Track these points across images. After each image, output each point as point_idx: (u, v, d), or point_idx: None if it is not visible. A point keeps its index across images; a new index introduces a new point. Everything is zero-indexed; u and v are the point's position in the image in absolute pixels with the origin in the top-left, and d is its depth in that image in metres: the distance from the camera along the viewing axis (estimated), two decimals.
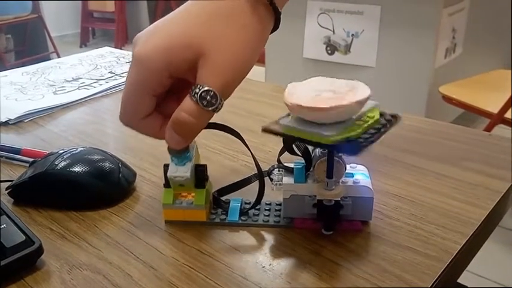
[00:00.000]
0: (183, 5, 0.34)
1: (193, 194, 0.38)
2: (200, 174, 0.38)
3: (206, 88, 0.32)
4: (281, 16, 0.35)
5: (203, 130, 0.38)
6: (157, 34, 0.33)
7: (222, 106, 0.33)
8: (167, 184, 0.38)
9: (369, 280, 0.31)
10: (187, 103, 0.32)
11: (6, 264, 0.32)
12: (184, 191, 0.38)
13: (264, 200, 0.39)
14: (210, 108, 0.32)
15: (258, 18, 0.34)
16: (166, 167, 0.37)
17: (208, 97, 0.32)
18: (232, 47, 0.32)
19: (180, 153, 0.36)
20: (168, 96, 0.36)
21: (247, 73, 0.34)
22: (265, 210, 0.39)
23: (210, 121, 0.38)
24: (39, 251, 0.34)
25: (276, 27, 0.36)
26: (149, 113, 0.35)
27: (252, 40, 0.33)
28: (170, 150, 0.36)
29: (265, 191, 0.38)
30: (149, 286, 0.32)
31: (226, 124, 0.39)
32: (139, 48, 0.33)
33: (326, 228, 0.36)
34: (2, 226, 0.35)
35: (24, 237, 0.34)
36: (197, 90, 0.32)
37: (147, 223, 0.39)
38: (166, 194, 0.38)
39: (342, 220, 0.36)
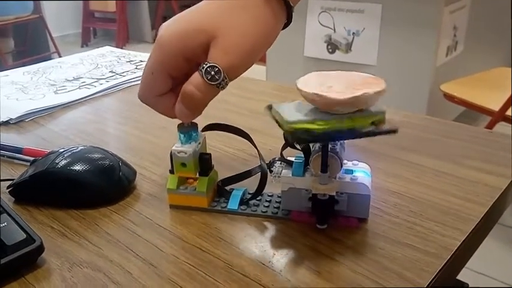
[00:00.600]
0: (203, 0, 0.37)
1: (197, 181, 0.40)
2: (205, 163, 0.39)
3: (211, 64, 0.35)
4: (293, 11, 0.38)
5: (206, 132, 0.40)
6: (177, 21, 0.36)
7: (226, 84, 0.36)
8: (173, 170, 0.39)
9: (368, 277, 0.31)
10: (195, 77, 0.36)
11: (7, 262, 0.32)
12: (187, 174, 0.39)
13: (267, 191, 0.40)
14: (213, 83, 0.35)
15: (270, 11, 0.36)
16: (172, 154, 0.39)
17: (213, 72, 0.35)
18: (242, 32, 0.35)
19: (187, 129, 0.39)
20: (185, 80, 0.38)
21: (255, 59, 0.37)
22: (266, 201, 0.40)
23: (219, 122, 0.41)
24: (40, 249, 0.34)
25: (288, 21, 0.39)
26: (164, 92, 0.38)
27: (262, 29, 0.36)
28: (179, 126, 0.39)
29: (268, 183, 0.39)
30: (149, 283, 0.32)
31: (233, 125, 0.41)
32: (161, 33, 0.36)
33: (319, 222, 0.36)
34: (3, 224, 0.35)
35: (25, 235, 0.34)
36: (204, 65, 0.35)
37: (147, 221, 0.39)
38: (171, 179, 0.40)
39: (338, 216, 0.36)
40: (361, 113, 0.32)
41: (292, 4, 0.38)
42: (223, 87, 0.36)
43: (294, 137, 0.32)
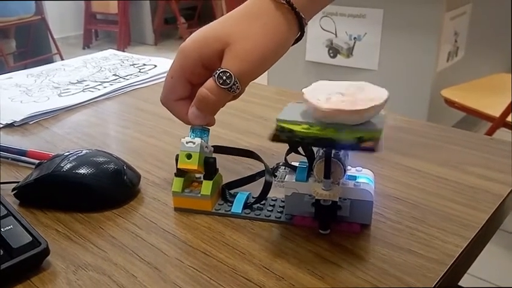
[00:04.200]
0: None
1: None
2: (210, 166, 0.40)
3: (224, 69, 0.38)
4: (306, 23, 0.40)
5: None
6: (198, 32, 0.40)
7: (237, 89, 0.38)
8: (178, 173, 0.40)
9: (370, 282, 0.32)
10: (209, 81, 0.39)
11: (13, 264, 0.33)
12: (190, 166, 0.39)
13: (271, 196, 0.40)
14: (225, 87, 0.38)
15: (282, 21, 0.39)
16: (178, 156, 0.40)
17: (224, 77, 0.37)
18: (254, 39, 0.38)
19: (199, 131, 0.41)
20: None
21: (267, 66, 0.39)
22: (270, 205, 0.40)
23: (225, 146, 0.44)
24: (46, 251, 0.35)
25: (301, 34, 0.41)
26: (183, 97, 0.41)
27: (274, 38, 0.38)
28: (192, 126, 0.41)
29: (271, 188, 0.39)
30: (154, 287, 0.32)
31: (235, 147, 0.45)
32: (184, 42, 0.40)
33: (322, 227, 0.37)
34: (9, 227, 0.36)
35: (30, 238, 0.35)
36: (217, 71, 0.38)
37: (151, 225, 0.39)
38: (176, 182, 0.40)
39: (340, 221, 0.37)
40: (352, 127, 0.32)
41: (303, 16, 0.39)
42: (234, 91, 0.38)
43: (276, 134, 0.32)
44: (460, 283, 0.39)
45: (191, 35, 0.40)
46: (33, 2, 3.23)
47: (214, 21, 0.40)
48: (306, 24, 0.40)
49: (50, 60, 3.10)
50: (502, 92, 1.55)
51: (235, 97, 0.41)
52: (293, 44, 0.41)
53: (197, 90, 0.40)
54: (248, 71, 0.38)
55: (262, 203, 0.40)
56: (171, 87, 0.41)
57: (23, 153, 0.51)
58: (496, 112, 1.43)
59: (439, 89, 1.65)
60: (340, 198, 0.36)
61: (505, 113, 1.40)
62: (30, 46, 3.50)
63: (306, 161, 0.37)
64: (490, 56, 2.31)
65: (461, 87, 1.67)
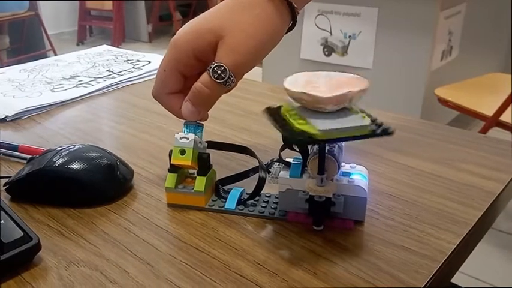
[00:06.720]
0: None
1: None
2: (203, 162, 0.40)
3: (218, 63, 0.37)
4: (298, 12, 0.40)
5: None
6: (189, 24, 0.39)
7: (232, 82, 0.38)
8: (172, 169, 0.40)
9: (363, 278, 0.32)
10: (204, 76, 0.38)
11: (4, 260, 0.32)
12: (184, 162, 0.39)
13: (265, 192, 0.40)
14: (220, 81, 0.37)
15: (275, 11, 0.38)
16: (171, 152, 0.39)
17: (219, 71, 0.37)
18: (247, 31, 0.38)
19: (193, 127, 0.40)
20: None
21: (261, 58, 0.39)
22: (264, 202, 0.40)
23: (217, 141, 0.44)
24: (37, 247, 0.34)
25: (293, 24, 0.40)
26: (175, 90, 0.41)
27: (267, 29, 0.38)
28: (186, 122, 0.41)
29: (266, 184, 0.39)
30: (146, 283, 0.32)
31: (230, 143, 0.45)
32: (176, 34, 0.39)
33: (315, 223, 0.36)
34: (0, 222, 0.35)
35: (22, 233, 0.34)
36: (212, 65, 0.37)
37: (144, 220, 0.39)
38: (169, 178, 0.40)
39: (334, 218, 0.37)
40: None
41: (295, 5, 0.39)
42: (229, 85, 0.38)
43: (298, 139, 0.32)
44: (452, 280, 0.39)
45: (183, 27, 0.39)
46: None
47: (206, 12, 0.39)
48: (298, 13, 0.40)
49: (43, 57, 3.07)
50: (495, 91, 1.56)
51: (228, 90, 0.41)
52: (286, 33, 0.41)
53: (189, 84, 0.39)
54: (243, 64, 0.38)
55: (256, 199, 0.40)
56: (163, 80, 0.40)
57: (14, 148, 0.50)
58: (489, 111, 1.44)
59: (433, 87, 1.66)
60: (334, 194, 0.35)
61: (498, 112, 1.41)
62: (23, 42, 3.48)
63: (300, 157, 0.37)
64: (484, 56, 2.32)
65: (454, 86, 1.67)
